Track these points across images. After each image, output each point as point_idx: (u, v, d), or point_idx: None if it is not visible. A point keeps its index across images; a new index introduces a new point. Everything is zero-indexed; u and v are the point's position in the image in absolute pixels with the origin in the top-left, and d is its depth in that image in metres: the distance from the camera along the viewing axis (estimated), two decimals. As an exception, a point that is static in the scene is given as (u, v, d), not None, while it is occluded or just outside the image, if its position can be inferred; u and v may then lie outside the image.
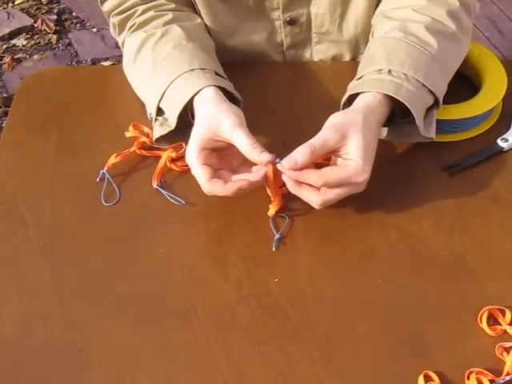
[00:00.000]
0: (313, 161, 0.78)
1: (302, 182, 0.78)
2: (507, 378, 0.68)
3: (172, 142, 0.89)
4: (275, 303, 0.76)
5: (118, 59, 2.34)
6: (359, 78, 0.86)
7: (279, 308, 0.75)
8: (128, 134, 0.93)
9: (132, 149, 0.91)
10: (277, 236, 0.81)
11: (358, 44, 1.04)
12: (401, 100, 0.81)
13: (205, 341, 0.73)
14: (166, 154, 0.90)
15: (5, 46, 2.45)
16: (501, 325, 0.73)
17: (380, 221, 0.83)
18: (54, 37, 2.48)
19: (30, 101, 1.02)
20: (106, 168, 0.89)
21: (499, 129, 0.93)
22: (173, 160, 0.90)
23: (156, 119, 0.88)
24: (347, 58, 1.07)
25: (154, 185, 0.88)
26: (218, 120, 0.80)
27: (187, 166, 0.87)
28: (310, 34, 1.03)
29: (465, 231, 0.82)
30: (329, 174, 0.77)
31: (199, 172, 0.80)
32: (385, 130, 0.88)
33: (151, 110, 0.89)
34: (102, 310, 0.76)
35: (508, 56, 2.25)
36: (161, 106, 0.88)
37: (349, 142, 0.77)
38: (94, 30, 2.50)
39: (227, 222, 0.84)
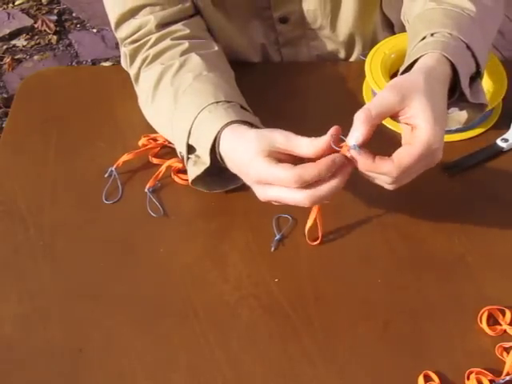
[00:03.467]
0: (376, 126, 0.69)
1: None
2: (507, 378, 0.68)
3: (211, 188, 0.84)
4: (275, 303, 0.76)
5: (118, 60, 2.33)
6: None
7: (279, 308, 0.75)
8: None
9: (142, 147, 0.91)
10: (277, 237, 0.81)
11: (354, 38, 1.05)
12: (448, 57, 0.75)
13: (205, 341, 0.73)
14: (169, 163, 0.89)
15: (5, 47, 2.45)
16: (501, 325, 0.73)
17: (380, 221, 0.83)
18: (54, 37, 2.48)
19: (31, 101, 1.02)
20: (115, 166, 0.89)
21: (499, 129, 0.93)
22: (178, 171, 0.89)
23: (188, 158, 0.82)
24: (343, 54, 1.07)
25: (146, 188, 0.87)
26: (269, 135, 0.73)
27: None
28: (304, 30, 1.03)
29: (465, 231, 0.82)
30: (403, 159, 0.68)
31: (279, 171, 0.69)
32: None
33: (181, 149, 0.82)
34: (102, 310, 0.76)
35: (508, 56, 2.25)
36: (190, 143, 0.81)
37: (411, 102, 0.69)
38: (94, 30, 2.50)
39: (227, 222, 0.84)
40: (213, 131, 0.77)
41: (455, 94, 0.79)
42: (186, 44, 0.90)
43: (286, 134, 0.72)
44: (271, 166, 0.70)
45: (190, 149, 0.82)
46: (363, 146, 0.69)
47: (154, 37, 0.91)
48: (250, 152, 0.73)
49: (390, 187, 0.73)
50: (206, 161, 0.79)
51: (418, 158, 0.69)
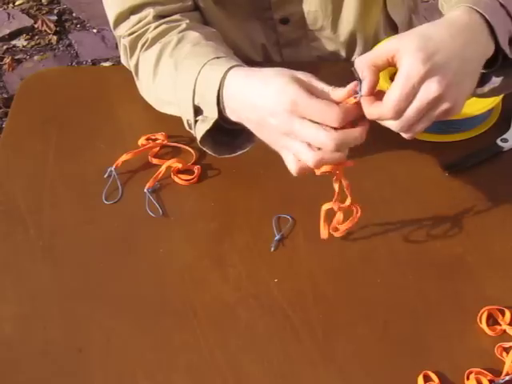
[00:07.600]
0: (377, 69, 0.68)
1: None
2: (507, 378, 0.68)
3: (220, 153, 0.82)
4: (275, 303, 0.76)
5: (118, 60, 2.33)
6: None
7: (279, 308, 0.75)
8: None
9: (142, 146, 0.91)
10: (277, 237, 0.81)
11: (355, 39, 1.05)
12: (480, 11, 0.70)
13: (204, 341, 0.73)
14: (169, 163, 0.89)
15: (5, 47, 2.45)
16: (500, 325, 0.73)
17: (380, 221, 0.83)
18: (55, 37, 2.48)
19: (31, 101, 1.02)
20: (114, 166, 0.89)
21: (499, 129, 0.93)
22: (178, 171, 0.89)
23: (196, 121, 0.81)
24: (344, 54, 1.07)
25: (145, 189, 0.87)
26: (292, 71, 0.70)
27: (192, 179, 0.87)
28: (305, 31, 1.04)
29: (465, 231, 0.82)
30: (388, 97, 0.66)
31: (325, 104, 0.67)
32: None
33: (188, 116, 0.81)
34: (102, 309, 0.76)
35: (508, 56, 2.25)
36: (196, 103, 0.80)
37: (402, 41, 0.67)
38: (94, 30, 2.50)
39: (227, 222, 0.84)
40: (217, 79, 0.75)
41: (498, 61, 0.74)
42: (183, 25, 0.91)
43: (307, 75, 0.70)
44: (312, 97, 0.67)
45: (197, 112, 0.80)
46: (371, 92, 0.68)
47: (152, 25, 0.92)
48: (277, 79, 0.69)
49: (405, 135, 0.69)
50: (213, 115, 0.77)
51: (402, 89, 0.65)
